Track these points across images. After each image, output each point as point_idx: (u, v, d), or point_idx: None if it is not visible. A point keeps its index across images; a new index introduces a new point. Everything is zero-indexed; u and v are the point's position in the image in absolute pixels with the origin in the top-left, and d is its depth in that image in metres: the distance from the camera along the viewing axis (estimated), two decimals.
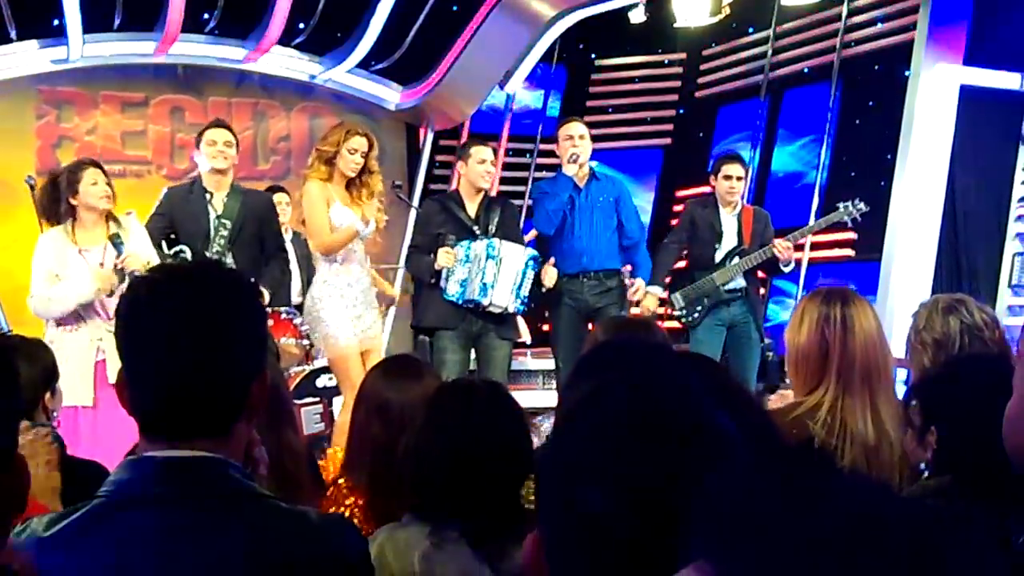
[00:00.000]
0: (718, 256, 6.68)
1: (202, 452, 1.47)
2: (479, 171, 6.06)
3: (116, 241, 5.21)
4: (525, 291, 6.02)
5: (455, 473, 2.16)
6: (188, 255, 5.57)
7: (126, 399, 1.52)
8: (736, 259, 6.63)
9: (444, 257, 5.90)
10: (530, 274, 6.03)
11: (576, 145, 6.24)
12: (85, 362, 5.00)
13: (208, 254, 5.63)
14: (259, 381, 1.53)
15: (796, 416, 2.78)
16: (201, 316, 1.47)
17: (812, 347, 2.85)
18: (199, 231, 5.70)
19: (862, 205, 6.72)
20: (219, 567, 1.41)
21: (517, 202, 10.61)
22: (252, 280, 1.64)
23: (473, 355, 6.21)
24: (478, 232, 5.99)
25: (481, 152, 6.13)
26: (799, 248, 7.23)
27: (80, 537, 1.41)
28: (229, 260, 5.75)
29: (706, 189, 9.84)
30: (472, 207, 6.10)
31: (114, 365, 4.80)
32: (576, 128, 6.35)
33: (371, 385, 2.82)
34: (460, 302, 5.92)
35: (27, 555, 1.39)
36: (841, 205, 6.79)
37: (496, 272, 5.90)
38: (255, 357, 1.55)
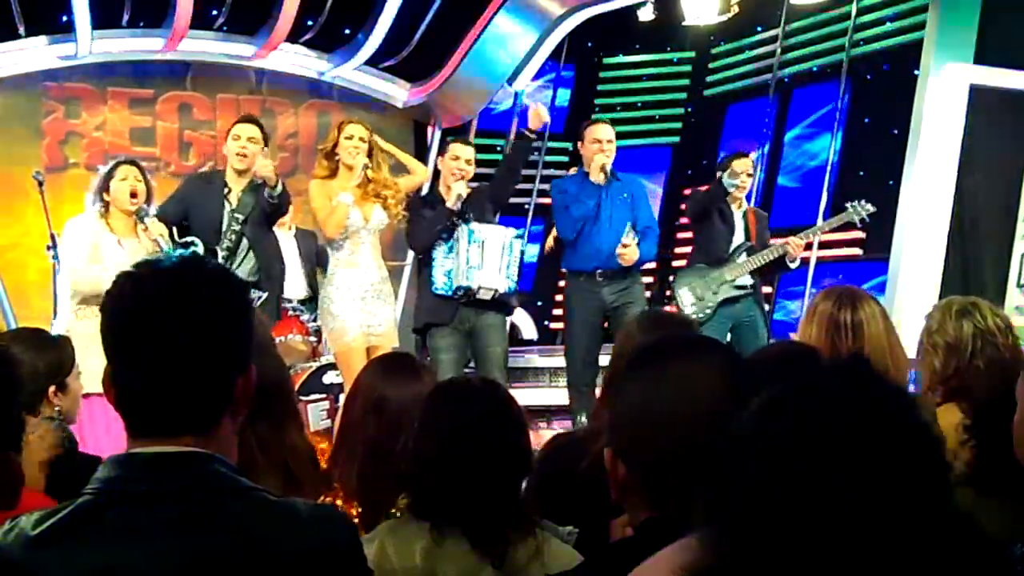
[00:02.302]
0: (729, 251, 6.65)
1: (188, 447, 1.46)
2: (450, 167, 6.04)
3: (141, 214, 5.36)
4: (514, 270, 5.95)
5: (453, 475, 2.14)
6: (200, 248, 5.58)
7: (112, 396, 1.51)
8: (744, 255, 6.60)
9: (458, 184, 5.88)
10: (517, 251, 5.96)
11: (604, 150, 6.17)
12: None
13: (218, 248, 5.64)
14: (244, 377, 1.53)
15: None
16: (184, 311, 1.47)
17: (822, 349, 2.79)
18: (211, 224, 5.71)
19: (869, 206, 6.70)
20: (207, 562, 1.40)
21: (523, 200, 10.65)
22: (239, 276, 1.64)
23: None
24: (455, 218, 5.94)
25: (453, 149, 6.10)
26: (808, 247, 7.19)
27: (68, 535, 1.40)
28: (242, 254, 5.74)
29: None
30: (451, 201, 6.01)
31: None
32: (605, 132, 6.26)
33: (367, 381, 2.79)
34: (450, 293, 5.89)
35: None
36: (849, 205, 6.76)
37: (480, 254, 5.85)
38: (240, 353, 1.54)
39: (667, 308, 6.47)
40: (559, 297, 9.30)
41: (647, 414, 1.57)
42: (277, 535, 1.45)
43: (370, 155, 5.81)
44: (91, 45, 9.13)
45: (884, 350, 2.82)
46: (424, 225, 6.00)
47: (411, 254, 9.95)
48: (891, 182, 8.25)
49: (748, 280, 6.61)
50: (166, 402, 1.47)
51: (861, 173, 9.17)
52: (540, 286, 10.54)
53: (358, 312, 5.70)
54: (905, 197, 7.99)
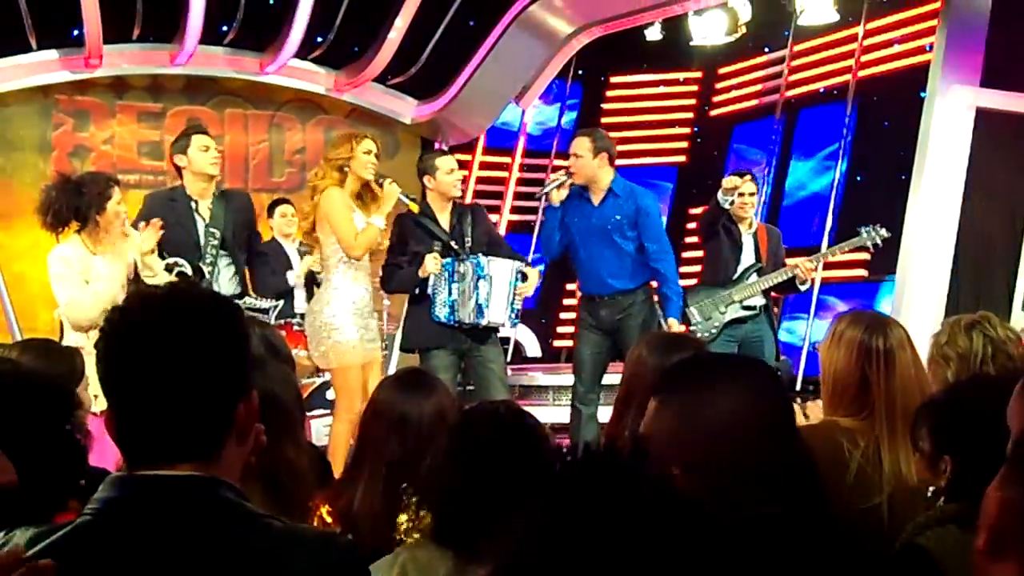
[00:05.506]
0: (737, 272, 6.64)
1: (188, 472, 1.45)
2: (450, 181, 5.98)
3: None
4: (517, 304, 5.96)
5: (478, 503, 2.11)
6: (187, 269, 5.49)
7: (113, 432, 1.50)
8: (754, 276, 6.60)
9: (431, 262, 5.81)
10: (520, 287, 5.96)
11: (570, 163, 6.15)
12: None
13: (202, 265, 5.57)
14: (245, 403, 1.51)
15: (831, 435, 2.65)
16: (175, 342, 1.46)
17: (851, 376, 2.74)
18: (188, 241, 5.60)
19: (884, 231, 6.70)
20: None
21: (530, 217, 10.66)
22: (233, 301, 1.63)
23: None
24: (455, 245, 5.94)
25: (449, 162, 6.09)
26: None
27: (64, 556, 1.38)
28: (223, 266, 5.70)
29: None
30: (444, 218, 6.01)
31: None
32: (571, 146, 6.25)
33: (386, 399, 2.77)
34: (452, 323, 5.87)
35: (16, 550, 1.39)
36: (863, 230, 6.74)
37: (489, 290, 5.84)
38: (237, 378, 1.52)
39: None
40: (563, 315, 9.29)
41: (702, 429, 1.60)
42: (279, 561, 1.43)
43: None
44: (101, 59, 9.17)
45: (913, 379, 2.76)
46: (402, 278, 5.98)
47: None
48: (897, 203, 8.25)
49: (759, 300, 6.59)
50: (163, 432, 1.46)
51: (867, 194, 9.18)
52: (544, 304, 10.53)
53: (358, 327, 5.68)
54: (911, 218, 8.00)
